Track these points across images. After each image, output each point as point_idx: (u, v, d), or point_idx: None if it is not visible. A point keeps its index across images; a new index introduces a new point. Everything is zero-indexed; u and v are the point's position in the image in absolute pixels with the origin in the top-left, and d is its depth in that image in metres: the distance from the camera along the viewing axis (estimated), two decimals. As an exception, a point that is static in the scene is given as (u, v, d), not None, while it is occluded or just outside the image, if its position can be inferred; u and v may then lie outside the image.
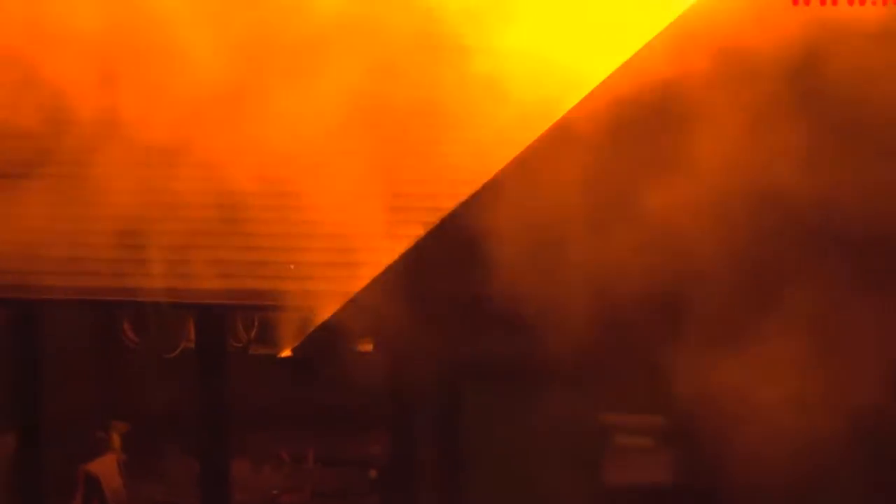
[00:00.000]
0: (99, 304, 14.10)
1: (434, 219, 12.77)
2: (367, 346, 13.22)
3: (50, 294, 13.81)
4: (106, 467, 14.91)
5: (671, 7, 12.87)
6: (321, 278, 13.29)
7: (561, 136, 12.26)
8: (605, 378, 12.37)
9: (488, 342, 12.53)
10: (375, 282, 12.36)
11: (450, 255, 12.25)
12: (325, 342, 12.90)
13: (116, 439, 15.04)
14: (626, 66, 12.10)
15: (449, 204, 12.74)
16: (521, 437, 12.77)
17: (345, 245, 13.34)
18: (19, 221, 13.97)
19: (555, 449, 12.66)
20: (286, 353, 13.61)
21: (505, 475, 12.78)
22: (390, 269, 12.36)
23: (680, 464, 12.61)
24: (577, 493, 12.86)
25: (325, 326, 12.73)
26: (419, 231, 12.68)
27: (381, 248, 12.88)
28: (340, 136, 13.87)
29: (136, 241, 13.71)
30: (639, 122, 12.04)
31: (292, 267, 13.52)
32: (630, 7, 14.39)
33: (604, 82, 12.17)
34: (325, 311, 12.74)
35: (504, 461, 12.78)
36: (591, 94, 12.19)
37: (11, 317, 14.67)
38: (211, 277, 13.57)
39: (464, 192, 12.51)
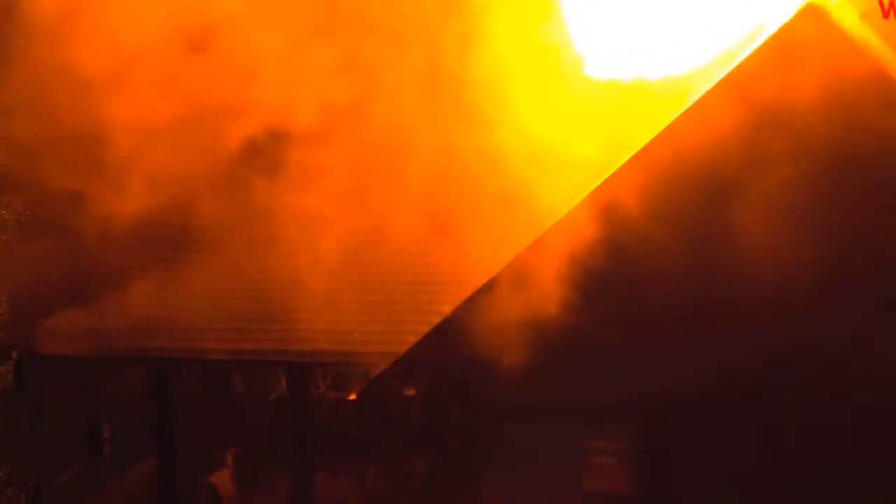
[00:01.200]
0: (216, 362, 15.22)
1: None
2: (411, 391, 14.93)
3: (181, 354, 15.32)
4: (223, 479, 16.24)
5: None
6: (378, 343, 14.62)
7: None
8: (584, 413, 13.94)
9: (497, 390, 14.01)
10: (417, 345, 13.89)
11: (469, 328, 13.34)
12: (381, 388, 14.40)
13: (230, 459, 16.33)
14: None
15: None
16: (523, 457, 14.26)
17: (395, 318, 14.72)
18: (160, 302, 15.37)
19: (546, 463, 14.17)
20: (353, 396, 14.75)
21: (511, 484, 14.28)
22: (429, 336, 13.80)
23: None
24: (560, 494, 14.24)
25: (381, 377, 14.21)
26: (448, 308, 13.99)
27: (421, 321, 14.26)
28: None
29: (244, 316, 15.21)
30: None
31: (357, 335, 14.83)
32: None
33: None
34: (380, 366, 14.19)
35: (510, 474, 14.26)
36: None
37: (152, 370, 16.03)
38: (298, 342, 15.00)
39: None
